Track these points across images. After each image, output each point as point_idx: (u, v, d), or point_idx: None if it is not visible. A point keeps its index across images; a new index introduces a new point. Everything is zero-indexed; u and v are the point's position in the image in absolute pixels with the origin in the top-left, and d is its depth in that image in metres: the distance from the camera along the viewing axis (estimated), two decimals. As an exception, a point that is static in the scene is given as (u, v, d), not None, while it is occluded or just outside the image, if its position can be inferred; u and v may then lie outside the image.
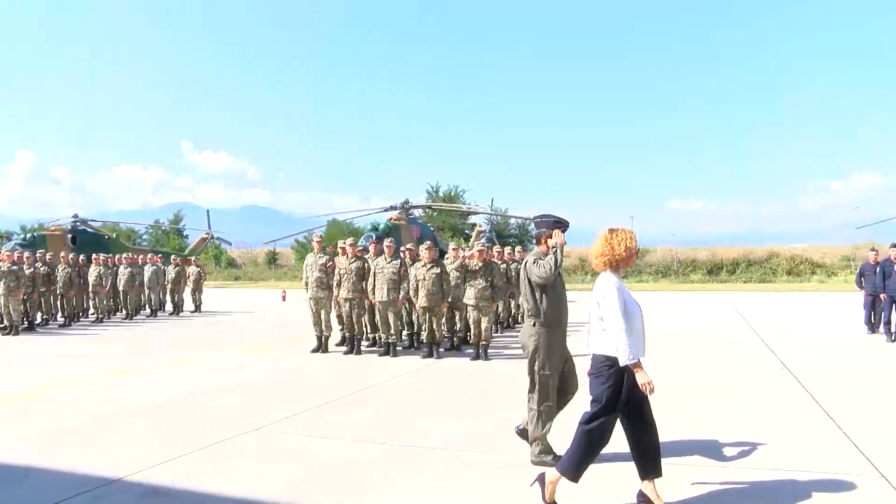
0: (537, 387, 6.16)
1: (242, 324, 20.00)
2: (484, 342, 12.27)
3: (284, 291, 30.71)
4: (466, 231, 49.53)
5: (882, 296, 14.89)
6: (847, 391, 9.12)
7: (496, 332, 15.49)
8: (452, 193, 58.33)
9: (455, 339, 13.66)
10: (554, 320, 6.19)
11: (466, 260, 12.97)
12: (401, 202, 29.66)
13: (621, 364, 4.78)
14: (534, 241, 6.52)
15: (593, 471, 5.08)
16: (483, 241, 27.89)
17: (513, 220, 57.37)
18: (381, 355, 12.66)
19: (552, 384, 6.17)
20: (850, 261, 43.57)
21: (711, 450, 6.42)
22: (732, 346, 13.85)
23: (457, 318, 13.67)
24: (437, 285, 12.40)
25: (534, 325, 6.16)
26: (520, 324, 18.17)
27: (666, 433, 5.51)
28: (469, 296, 12.46)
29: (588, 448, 4.92)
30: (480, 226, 41.23)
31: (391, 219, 28.11)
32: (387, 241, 13.33)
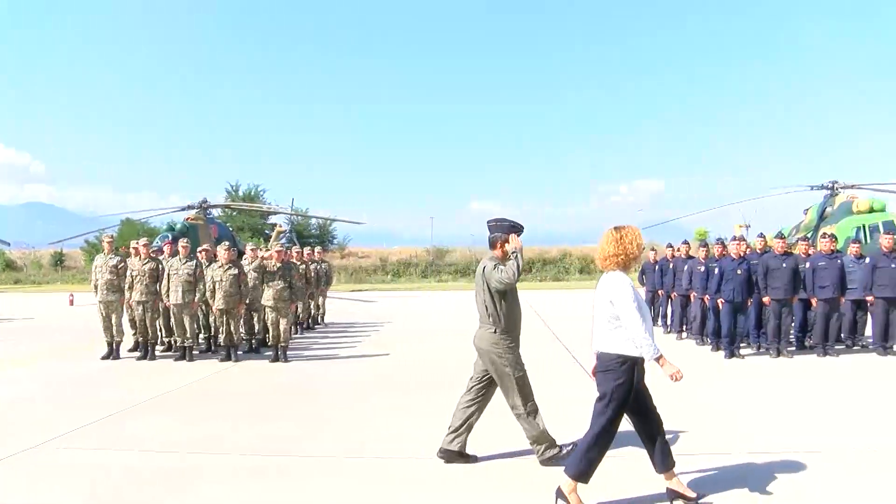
0: (517, 389, 6.08)
1: (22, 331, 18.31)
2: (283, 344, 12.09)
3: (72, 295, 28.86)
4: (267, 231, 48.64)
5: (660, 292, 16.05)
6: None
7: (295, 333, 15.32)
8: (252, 193, 57.16)
9: (253, 341, 13.39)
10: (512, 325, 6.14)
11: (265, 260, 12.74)
12: (199, 201, 28.73)
13: (648, 359, 4.84)
14: (488, 245, 6.30)
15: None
16: (283, 241, 27.58)
17: (314, 221, 57.07)
18: (176, 360, 12.17)
19: (528, 381, 6.16)
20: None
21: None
22: (531, 343, 14.40)
23: (255, 319, 13.41)
24: (234, 286, 12.10)
25: (494, 332, 6.05)
26: (320, 324, 18.12)
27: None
28: (267, 297, 12.23)
29: (602, 447, 4.97)
30: (281, 226, 40.74)
31: (188, 218, 27.15)
32: (182, 242, 12.85)
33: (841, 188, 29.71)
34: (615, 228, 5.16)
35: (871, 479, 5.50)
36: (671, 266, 15.24)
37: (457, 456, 6.12)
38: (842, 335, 12.66)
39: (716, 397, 8.67)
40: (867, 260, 12.27)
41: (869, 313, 12.54)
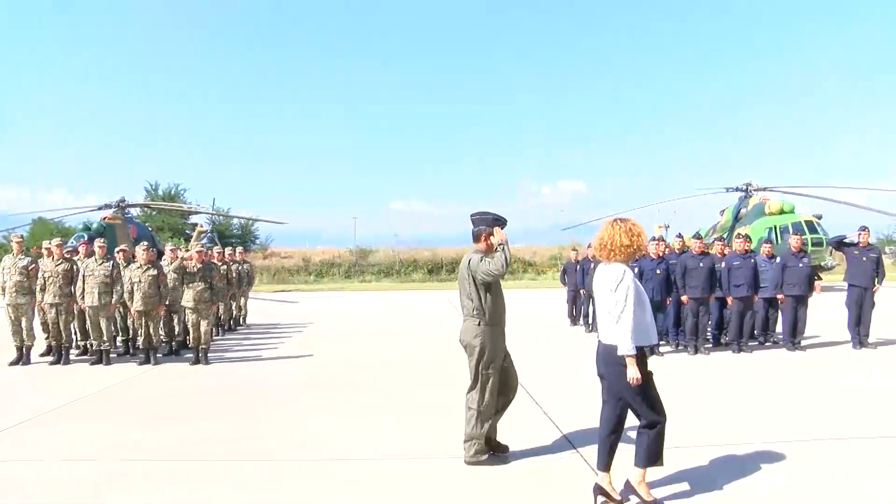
0: (479, 386, 6.08)
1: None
2: (204, 346, 11.86)
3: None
4: (187, 231, 47.75)
5: (581, 291, 16.29)
6: (547, 377, 10.00)
7: (217, 335, 15.07)
8: (173, 192, 55.89)
9: (173, 343, 13.10)
10: (497, 318, 6.14)
11: (185, 261, 12.48)
12: (116, 200, 28.08)
13: (620, 353, 4.83)
14: (472, 238, 6.27)
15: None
16: (204, 241, 27.11)
17: (235, 221, 56.24)
18: (92, 364, 11.79)
19: (493, 383, 6.10)
20: (557, 260, 47.12)
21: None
22: (454, 342, 14.46)
23: (175, 321, 13.12)
24: (153, 288, 11.82)
25: (479, 324, 6.06)
26: (241, 326, 17.86)
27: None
28: (187, 298, 11.97)
29: (659, 435, 4.96)
30: (202, 226, 40.09)
31: (105, 218, 26.52)
32: (99, 242, 12.49)
33: (755, 190, 30.75)
34: (622, 220, 5.14)
35: (788, 468, 5.70)
36: (593, 266, 15.46)
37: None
38: (755, 332, 13.07)
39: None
40: (778, 260, 12.69)
41: (779, 311, 12.96)
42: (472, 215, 6.31)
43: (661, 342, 12.54)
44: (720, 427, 7.10)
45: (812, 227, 27.17)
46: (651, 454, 4.96)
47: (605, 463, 5.08)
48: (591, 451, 5.59)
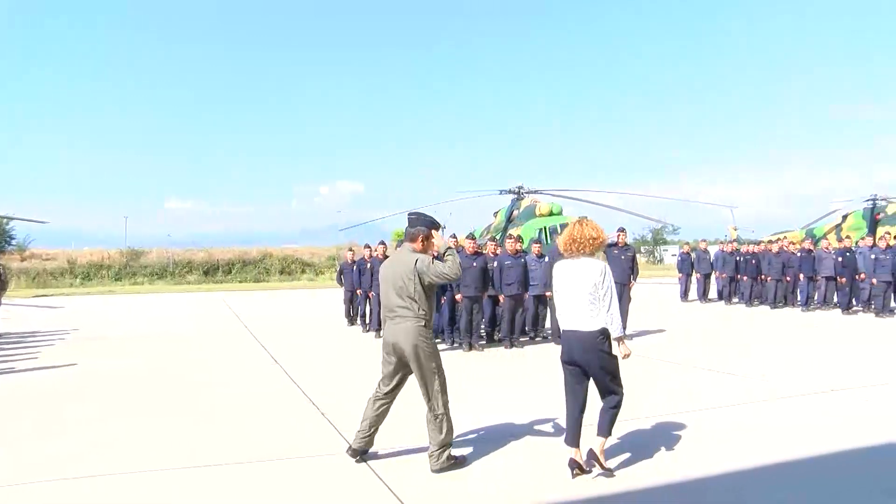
0: (438, 388, 5.82)
1: None
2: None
3: None
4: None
5: (358, 291, 16.27)
6: (327, 377, 9.87)
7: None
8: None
9: None
10: (432, 321, 6.02)
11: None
12: None
13: (614, 336, 5.43)
14: (407, 237, 6.04)
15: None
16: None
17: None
18: None
19: (444, 381, 5.92)
20: (335, 260, 46.99)
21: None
22: (231, 345, 13.99)
23: None
24: None
25: (424, 325, 5.82)
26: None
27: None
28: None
29: (619, 408, 5.59)
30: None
31: None
32: None
33: (526, 193, 32.11)
34: (585, 219, 5.76)
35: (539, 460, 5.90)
36: (368, 266, 15.49)
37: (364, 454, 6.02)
38: (526, 328, 13.59)
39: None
40: (546, 259, 13.26)
41: (549, 308, 13.56)
42: (409, 214, 6.17)
43: (437, 340, 12.76)
44: (490, 417, 7.26)
45: (578, 229, 28.65)
46: (612, 425, 5.57)
47: (577, 439, 5.54)
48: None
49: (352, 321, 17.22)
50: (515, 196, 32.60)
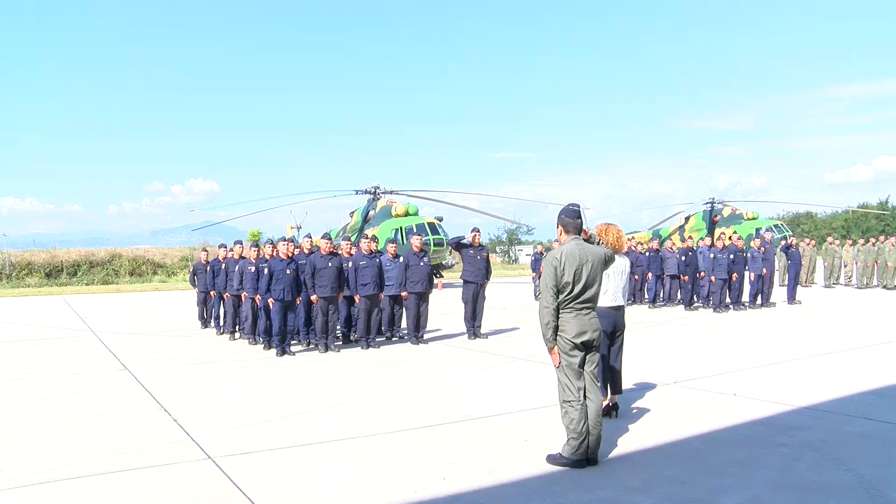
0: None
1: None
2: None
3: None
4: None
5: (212, 293, 15.94)
6: (179, 381, 9.66)
7: None
8: None
9: None
10: None
11: None
12: None
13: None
14: (575, 230, 6.14)
15: None
16: None
17: None
18: None
19: None
20: (188, 261, 45.71)
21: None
22: (74, 351, 13.41)
23: None
24: None
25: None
26: None
27: None
28: None
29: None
30: None
31: None
32: None
33: (382, 193, 32.29)
34: (610, 224, 7.14)
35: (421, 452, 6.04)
36: (223, 266, 15.21)
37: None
38: (382, 328, 13.74)
39: (279, 394, 8.87)
40: (401, 259, 13.45)
41: (404, 307, 13.76)
42: (570, 208, 6.08)
43: (292, 341, 12.75)
44: (348, 419, 7.35)
45: (434, 229, 29.04)
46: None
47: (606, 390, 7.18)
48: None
49: (205, 324, 16.85)
50: (371, 196, 32.70)
